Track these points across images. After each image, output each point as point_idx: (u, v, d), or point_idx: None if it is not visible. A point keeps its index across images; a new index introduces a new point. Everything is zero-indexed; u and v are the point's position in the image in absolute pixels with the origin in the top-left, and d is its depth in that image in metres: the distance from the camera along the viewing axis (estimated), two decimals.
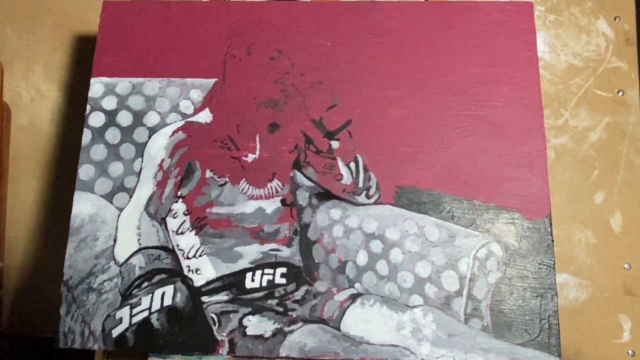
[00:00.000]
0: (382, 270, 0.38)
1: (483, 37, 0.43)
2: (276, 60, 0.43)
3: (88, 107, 0.42)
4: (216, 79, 0.43)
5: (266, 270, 0.38)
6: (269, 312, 0.38)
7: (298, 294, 0.38)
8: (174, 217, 0.40)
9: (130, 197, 0.40)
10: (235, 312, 0.38)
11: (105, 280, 0.38)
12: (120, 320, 0.37)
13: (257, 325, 0.37)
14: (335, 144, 0.41)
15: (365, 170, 0.40)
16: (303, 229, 0.39)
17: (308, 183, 0.40)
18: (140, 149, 0.41)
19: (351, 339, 0.37)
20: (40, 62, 0.53)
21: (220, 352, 0.37)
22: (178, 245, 0.39)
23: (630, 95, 0.51)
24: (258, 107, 0.42)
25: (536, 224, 0.39)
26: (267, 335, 0.37)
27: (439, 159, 0.40)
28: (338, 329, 0.37)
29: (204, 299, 0.38)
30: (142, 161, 0.41)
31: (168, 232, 0.39)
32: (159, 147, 0.41)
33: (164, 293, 0.38)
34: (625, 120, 0.50)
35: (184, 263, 0.39)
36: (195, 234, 0.39)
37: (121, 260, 0.39)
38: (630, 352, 0.46)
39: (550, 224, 0.39)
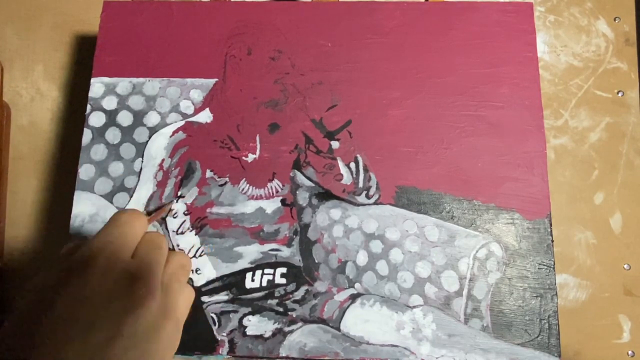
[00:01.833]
0: (382, 271, 0.38)
1: (483, 38, 0.43)
2: (276, 60, 0.43)
3: (88, 107, 0.42)
4: (216, 79, 0.43)
5: (266, 270, 0.38)
6: (269, 312, 0.38)
7: (298, 294, 0.38)
8: (174, 217, 0.40)
9: (131, 197, 0.40)
10: (235, 312, 0.38)
11: None
12: None
13: (257, 325, 0.37)
14: (335, 144, 0.41)
15: (366, 170, 0.40)
16: (303, 229, 0.39)
17: (308, 183, 0.40)
18: (141, 149, 0.41)
19: (351, 339, 0.37)
20: (40, 62, 0.53)
21: (220, 352, 0.37)
22: (178, 245, 0.39)
23: (630, 96, 0.51)
24: (258, 107, 0.42)
25: (536, 224, 0.39)
26: (267, 335, 0.37)
27: (439, 159, 0.40)
28: (338, 329, 0.37)
29: (204, 298, 0.38)
30: (142, 161, 0.41)
31: (168, 232, 0.39)
32: (159, 147, 0.41)
33: None
34: (625, 121, 0.50)
35: None
36: (196, 234, 0.39)
37: None
38: (630, 352, 0.46)
39: (550, 225, 0.39)
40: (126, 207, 0.40)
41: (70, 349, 0.22)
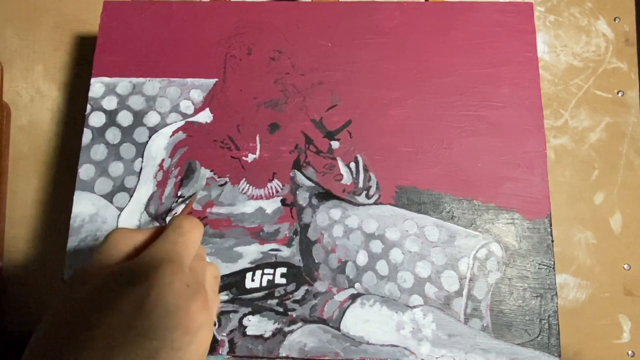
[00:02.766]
0: (382, 270, 0.38)
1: (483, 38, 0.43)
2: (276, 60, 0.43)
3: (88, 107, 0.42)
4: (216, 79, 0.43)
5: (266, 270, 0.38)
6: (269, 312, 0.38)
7: (298, 294, 0.38)
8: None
9: (131, 197, 0.40)
10: (235, 312, 0.38)
11: None
12: None
13: (257, 325, 0.37)
14: (335, 144, 0.41)
15: (366, 170, 0.40)
16: (303, 229, 0.39)
17: (308, 183, 0.40)
18: (141, 149, 0.41)
19: (351, 339, 0.37)
20: (40, 62, 0.53)
21: (220, 352, 0.37)
22: None
23: (630, 96, 0.51)
24: (258, 107, 0.42)
25: (536, 224, 0.39)
26: (267, 335, 0.37)
27: (439, 159, 0.40)
28: (338, 329, 0.37)
29: None
30: (142, 161, 0.41)
31: None
32: (159, 147, 0.41)
33: None
34: (625, 121, 0.50)
35: None
36: None
37: None
38: (630, 352, 0.46)
39: (550, 225, 0.39)
40: (126, 207, 0.40)
41: (121, 352, 0.22)
